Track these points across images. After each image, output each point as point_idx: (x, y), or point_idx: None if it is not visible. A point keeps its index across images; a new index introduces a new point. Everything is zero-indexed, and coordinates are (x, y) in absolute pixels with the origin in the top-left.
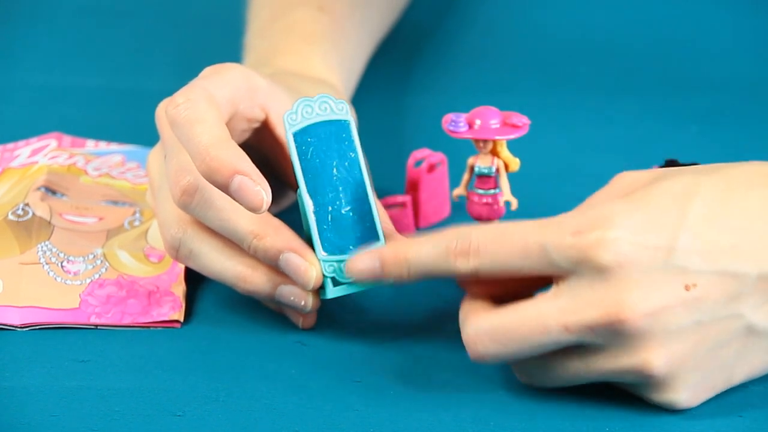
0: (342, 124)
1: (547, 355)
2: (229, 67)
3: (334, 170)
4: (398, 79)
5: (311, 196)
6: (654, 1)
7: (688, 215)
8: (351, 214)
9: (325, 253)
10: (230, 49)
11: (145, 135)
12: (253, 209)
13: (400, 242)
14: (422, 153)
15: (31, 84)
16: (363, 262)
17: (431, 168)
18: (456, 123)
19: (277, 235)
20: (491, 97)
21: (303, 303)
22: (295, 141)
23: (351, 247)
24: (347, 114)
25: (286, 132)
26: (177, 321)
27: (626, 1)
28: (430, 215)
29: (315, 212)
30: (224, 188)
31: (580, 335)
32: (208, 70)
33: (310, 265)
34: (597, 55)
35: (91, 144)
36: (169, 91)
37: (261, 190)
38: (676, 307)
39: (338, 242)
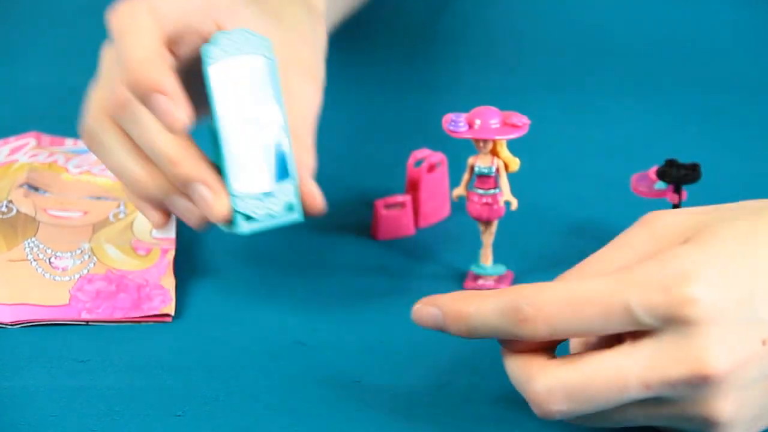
0: (263, 61)
1: (617, 408)
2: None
3: (252, 107)
4: (399, 78)
5: (227, 132)
6: (654, 1)
7: (759, 263)
8: (265, 150)
9: (237, 188)
10: None
11: None
12: (171, 130)
13: (462, 298)
14: (422, 153)
15: (9, 82)
16: (427, 314)
17: (431, 168)
18: (456, 123)
19: (193, 164)
20: (492, 97)
21: (196, 223)
22: (212, 76)
23: (263, 185)
24: (270, 51)
25: (203, 65)
26: (168, 315)
27: (627, 0)
28: (430, 215)
29: (228, 148)
30: (145, 104)
31: (659, 392)
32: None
33: (219, 200)
34: (597, 55)
35: (70, 142)
36: None
37: (180, 111)
38: (754, 361)
39: (251, 179)
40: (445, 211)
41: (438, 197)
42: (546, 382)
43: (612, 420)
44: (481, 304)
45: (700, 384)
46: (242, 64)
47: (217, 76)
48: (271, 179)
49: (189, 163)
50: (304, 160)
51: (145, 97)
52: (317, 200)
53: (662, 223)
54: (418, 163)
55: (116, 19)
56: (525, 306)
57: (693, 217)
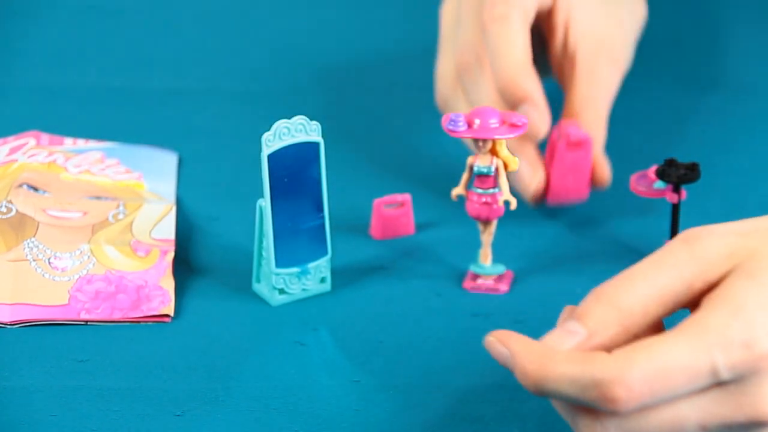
0: (313, 146)
1: None
2: None
3: (299, 189)
4: (404, 76)
5: (274, 213)
6: (654, 1)
7: None
8: (307, 230)
9: (277, 268)
10: (216, 45)
11: (123, 132)
12: (533, 136)
13: (536, 356)
14: (571, 128)
15: (8, 81)
16: (497, 351)
17: (571, 145)
18: (455, 122)
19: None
20: None
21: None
22: (269, 162)
23: (301, 262)
24: (319, 135)
25: (261, 152)
26: (167, 315)
27: None
28: (562, 192)
29: (274, 228)
30: (512, 108)
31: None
32: None
33: (534, 180)
34: None
35: (69, 142)
36: (146, 87)
37: (542, 122)
38: None
39: (291, 257)
40: (581, 193)
41: (576, 177)
42: (607, 426)
43: None
44: (558, 372)
45: (757, 426)
46: (294, 150)
47: (270, 161)
48: (309, 258)
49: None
50: (598, 136)
51: (515, 104)
52: (606, 172)
53: (703, 245)
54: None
55: (492, 20)
56: (614, 386)
57: (734, 240)
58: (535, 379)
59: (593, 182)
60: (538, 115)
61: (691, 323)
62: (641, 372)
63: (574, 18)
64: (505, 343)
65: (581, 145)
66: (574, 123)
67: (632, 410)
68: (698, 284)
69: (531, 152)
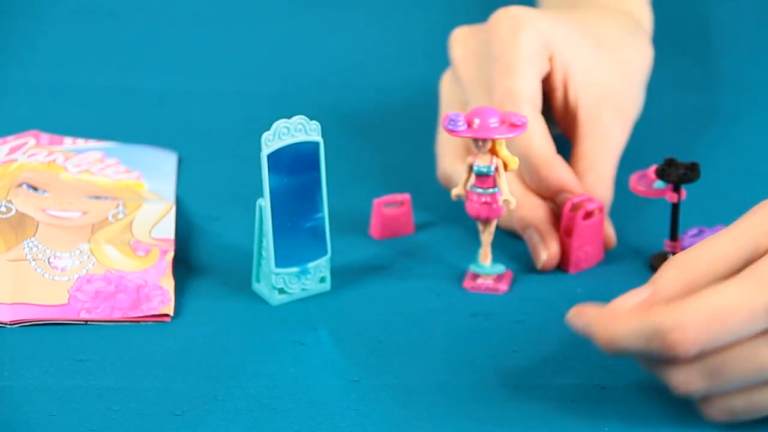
0: (312, 145)
1: (755, 387)
2: (526, 35)
3: (299, 189)
4: (402, 77)
5: (273, 213)
6: (655, 1)
7: None
8: (307, 230)
9: (276, 268)
10: (215, 45)
11: (123, 131)
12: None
13: (606, 320)
14: (580, 198)
15: (8, 81)
16: (579, 324)
17: (588, 215)
18: (455, 122)
19: (532, 211)
20: None
21: (537, 256)
22: (269, 161)
23: (301, 261)
24: (318, 134)
25: (261, 152)
26: (167, 315)
27: None
28: (582, 262)
29: (274, 228)
30: (544, 194)
31: None
32: (507, 46)
33: (544, 251)
34: None
35: (69, 141)
36: (146, 87)
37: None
38: None
39: (290, 257)
40: (600, 256)
41: (592, 244)
42: (687, 372)
43: (762, 411)
44: (623, 329)
45: None
46: (294, 150)
47: (270, 161)
48: (308, 258)
49: (528, 206)
50: (602, 195)
51: (552, 195)
52: (612, 238)
53: None
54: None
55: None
56: (672, 332)
57: None
58: (606, 340)
59: (606, 247)
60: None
61: (747, 271)
62: (696, 315)
63: (572, 73)
64: (582, 315)
65: (595, 214)
66: (587, 196)
67: (693, 354)
68: (765, 243)
69: (546, 226)
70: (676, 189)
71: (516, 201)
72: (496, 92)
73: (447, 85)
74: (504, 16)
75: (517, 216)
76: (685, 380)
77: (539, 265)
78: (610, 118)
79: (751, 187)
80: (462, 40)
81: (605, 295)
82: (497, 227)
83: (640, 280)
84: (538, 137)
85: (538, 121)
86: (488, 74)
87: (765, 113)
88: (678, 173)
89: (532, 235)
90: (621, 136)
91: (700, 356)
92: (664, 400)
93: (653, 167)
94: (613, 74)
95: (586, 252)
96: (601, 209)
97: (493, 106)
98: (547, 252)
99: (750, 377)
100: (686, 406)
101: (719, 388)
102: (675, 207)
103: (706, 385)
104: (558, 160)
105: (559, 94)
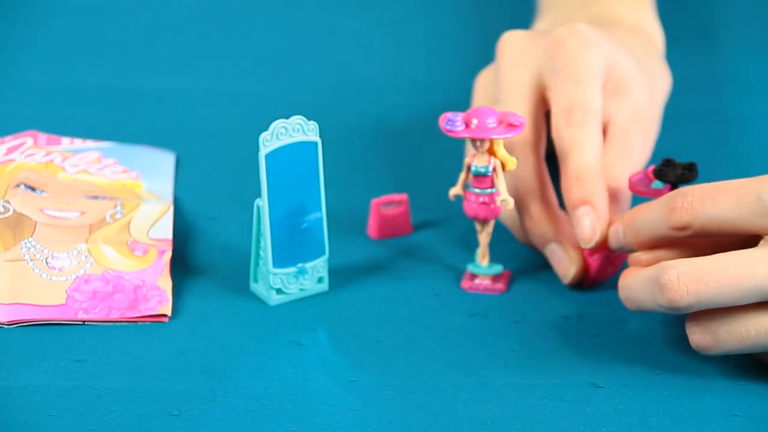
0: (310, 145)
1: (742, 308)
2: (595, 52)
3: (297, 189)
4: (396, 77)
5: (271, 213)
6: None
7: None
8: (304, 230)
9: (274, 268)
10: (213, 45)
11: (121, 131)
12: (581, 240)
13: (631, 211)
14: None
15: (5, 81)
16: (612, 231)
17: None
18: (453, 122)
19: (555, 227)
20: None
21: (563, 274)
22: (267, 161)
23: (299, 262)
24: (316, 135)
25: (259, 152)
26: (164, 315)
27: None
28: (600, 279)
29: (272, 229)
30: (573, 210)
31: None
32: (577, 60)
33: (571, 264)
34: None
35: (66, 141)
36: (144, 88)
37: (600, 225)
38: None
39: (288, 256)
40: (616, 271)
41: (614, 263)
42: (679, 268)
43: (745, 331)
44: (645, 210)
45: None
46: (291, 149)
47: (269, 161)
48: (306, 258)
49: (550, 225)
50: (601, 225)
51: (575, 204)
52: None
53: None
54: None
55: (569, 127)
56: (676, 197)
57: None
58: (636, 222)
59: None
60: (593, 221)
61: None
62: (696, 189)
63: (619, 94)
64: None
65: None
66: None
67: (685, 220)
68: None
69: (570, 239)
70: (674, 189)
71: (532, 214)
72: (562, 99)
73: (484, 83)
74: (573, 31)
75: (537, 232)
76: (676, 283)
77: (567, 280)
78: (636, 136)
79: None
80: (514, 44)
81: (604, 295)
82: (499, 227)
83: None
84: (596, 149)
85: (600, 138)
86: (549, 83)
87: (764, 114)
88: (676, 173)
89: (556, 249)
90: (644, 159)
91: (693, 260)
92: (658, 400)
93: (651, 167)
94: (646, 96)
95: (606, 273)
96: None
97: (558, 113)
98: (576, 266)
99: (740, 286)
100: (680, 408)
101: (709, 292)
102: None
103: (696, 285)
104: (601, 176)
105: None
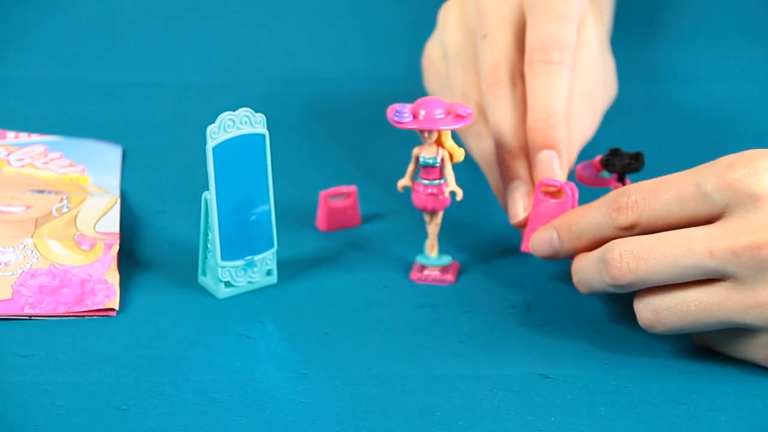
0: (257, 138)
1: (683, 285)
2: None
3: (245, 182)
4: (356, 69)
5: (219, 206)
6: None
7: None
8: (253, 222)
9: (223, 261)
10: (159, 38)
11: (67, 125)
12: (510, 215)
13: (569, 213)
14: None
15: None
16: (542, 237)
17: (547, 195)
18: (401, 113)
19: (518, 164)
20: None
21: (513, 214)
22: (214, 154)
23: (247, 254)
24: (264, 127)
25: (206, 144)
26: (112, 309)
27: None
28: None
29: (220, 222)
30: (533, 150)
31: (723, 262)
32: None
33: (525, 210)
34: None
35: (11, 135)
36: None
37: (562, 168)
38: None
39: (237, 249)
40: None
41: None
42: (621, 246)
43: (687, 309)
44: (585, 211)
45: (765, 257)
46: (239, 142)
47: (216, 153)
48: (255, 251)
49: (517, 159)
50: (563, 173)
51: (538, 147)
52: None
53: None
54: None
55: (543, 64)
56: (618, 197)
57: None
58: (576, 224)
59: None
60: (526, 202)
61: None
62: (638, 187)
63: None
64: (546, 228)
65: (556, 195)
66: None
67: (632, 218)
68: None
69: (523, 194)
70: (621, 179)
71: (500, 147)
72: (539, 33)
73: (453, 27)
74: None
75: (508, 165)
76: (618, 261)
77: (514, 221)
78: (583, 115)
79: None
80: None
81: (553, 285)
82: (447, 219)
83: None
84: (565, 93)
85: (570, 84)
86: (527, 16)
87: (709, 103)
88: (623, 163)
89: (519, 186)
90: (589, 133)
91: (636, 238)
92: (607, 390)
93: (598, 157)
94: (599, 82)
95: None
96: (564, 192)
97: (533, 47)
98: (527, 212)
99: (679, 262)
100: (628, 397)
101: (648, 269)
102: None
103: (636, 263)
104: (567, 122)
105: None
